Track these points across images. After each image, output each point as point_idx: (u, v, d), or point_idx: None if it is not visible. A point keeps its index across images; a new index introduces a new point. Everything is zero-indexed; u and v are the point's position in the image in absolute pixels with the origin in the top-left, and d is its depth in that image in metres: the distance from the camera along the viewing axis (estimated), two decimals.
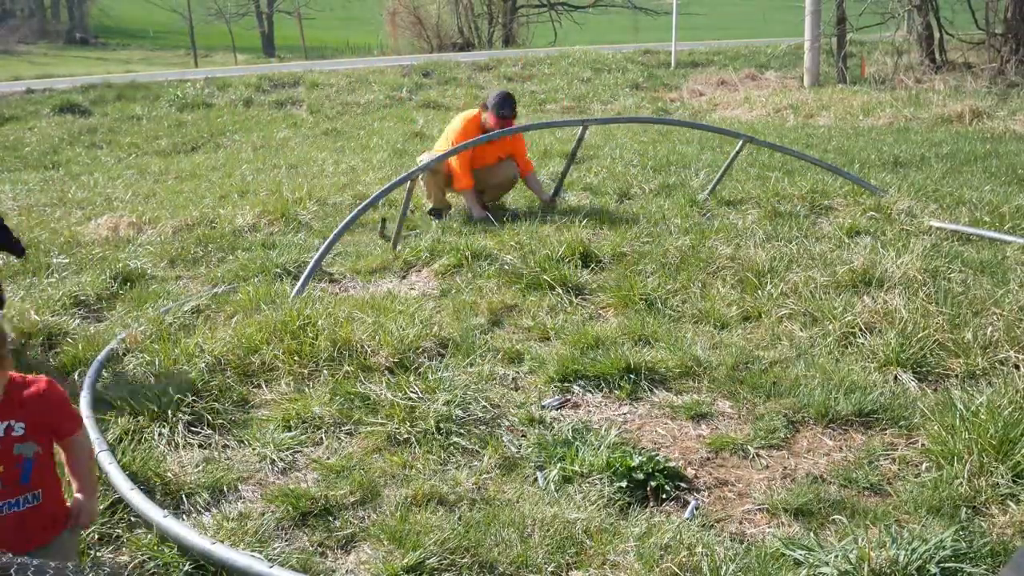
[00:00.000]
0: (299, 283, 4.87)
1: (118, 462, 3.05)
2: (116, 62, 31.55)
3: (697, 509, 2.94)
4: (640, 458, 3.10)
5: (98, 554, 2.71)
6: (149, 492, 2.98)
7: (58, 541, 2.22)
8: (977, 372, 3.73)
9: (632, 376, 3.81)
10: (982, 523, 2.76)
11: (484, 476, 3.14)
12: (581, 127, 6.59)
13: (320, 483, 3.09)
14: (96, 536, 2.78)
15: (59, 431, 2.21)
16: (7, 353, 2.12)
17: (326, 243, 5.28)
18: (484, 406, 3.58)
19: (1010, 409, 3.15)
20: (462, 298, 4.80)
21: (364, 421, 3.49)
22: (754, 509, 2.96)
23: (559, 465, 3.14)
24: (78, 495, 2.24)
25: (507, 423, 3.51)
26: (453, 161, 6.27)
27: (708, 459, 3.27)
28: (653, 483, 3.03)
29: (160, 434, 3.38)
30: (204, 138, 12.07)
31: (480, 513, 2.88)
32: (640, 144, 9.66)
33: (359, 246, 6.02)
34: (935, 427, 3.23)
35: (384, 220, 6.20)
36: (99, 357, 4.01)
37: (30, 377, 2.21)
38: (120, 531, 2.82)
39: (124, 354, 4.10)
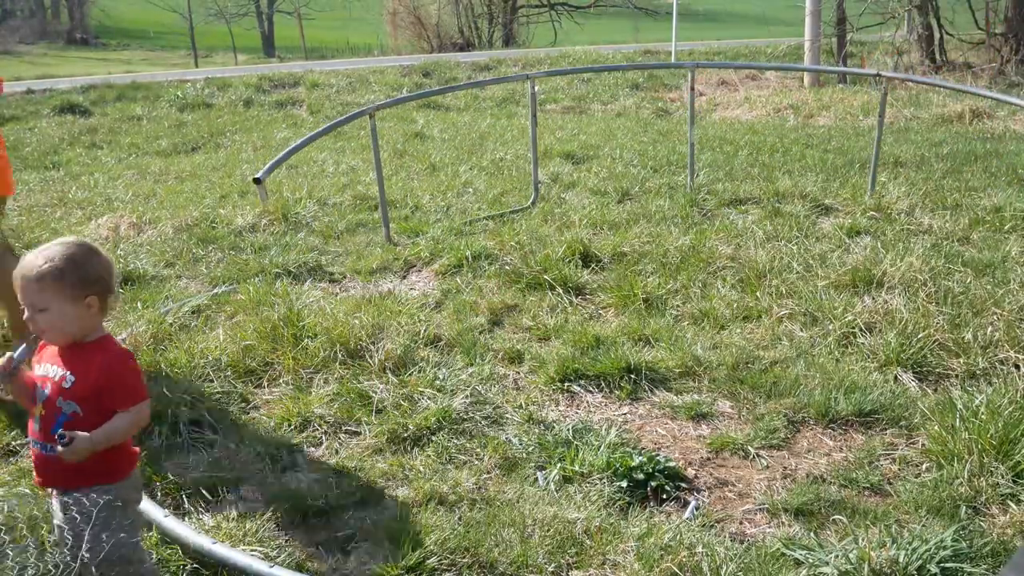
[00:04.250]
0: (264, 168, 5.16)
1: None
2: (116, 62, 31.53)
3: (697, 509, 2.94)
4: (640, 458, 3.11)
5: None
6: (150, 492, 2.99)
7: (83, 492, 2.22)
8: (977, 372, 3.73)
9: (632, 376, 3.81)
10: (982, 523, 2.76)
11: (484, 476, 3.14)
12: (529, 82, 6.80)
13: (320, 483, 3.09)
14: None
15: (106, 400, 2.19)
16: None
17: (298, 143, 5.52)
18: (484, 406, 3.58)
19: (1010, 409, 3.15)
20: (462, 298, 4.80)
21: (364, 421, 3.49)
22: (754, 509, 2.96)
23: (559, 465, 3.14)
24: (84, 433, 2.16)
25: (507, 423, 3.51)
26: None
27: (708, 459, 3.27)
28: (653, 483, 3.03)
29: (160, 434, 3.38)
30: (204, 138, 12.05)
31: (480, 513, 2.88)
32: (640, 144, 9.66)
33: (359, 246, 6.02)
34: (935, 427, 3.23)
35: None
36: None
37: (120, 346, 2.27)
38: None
39: None
